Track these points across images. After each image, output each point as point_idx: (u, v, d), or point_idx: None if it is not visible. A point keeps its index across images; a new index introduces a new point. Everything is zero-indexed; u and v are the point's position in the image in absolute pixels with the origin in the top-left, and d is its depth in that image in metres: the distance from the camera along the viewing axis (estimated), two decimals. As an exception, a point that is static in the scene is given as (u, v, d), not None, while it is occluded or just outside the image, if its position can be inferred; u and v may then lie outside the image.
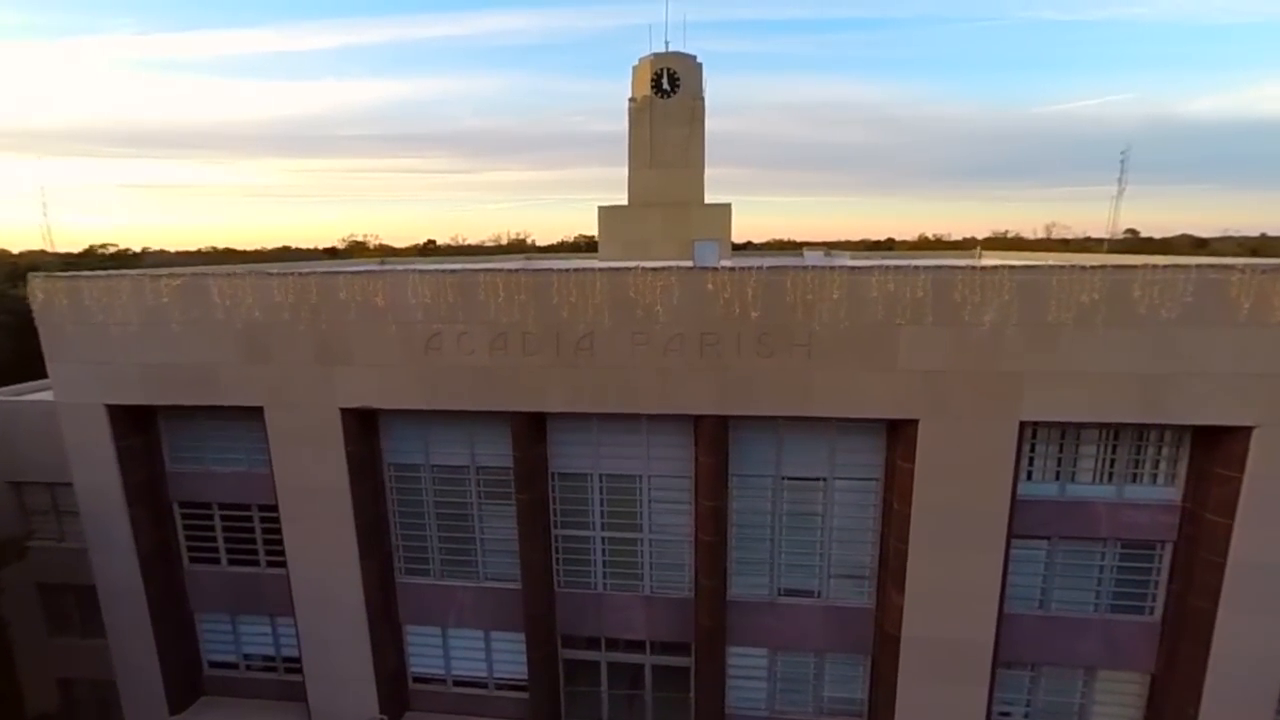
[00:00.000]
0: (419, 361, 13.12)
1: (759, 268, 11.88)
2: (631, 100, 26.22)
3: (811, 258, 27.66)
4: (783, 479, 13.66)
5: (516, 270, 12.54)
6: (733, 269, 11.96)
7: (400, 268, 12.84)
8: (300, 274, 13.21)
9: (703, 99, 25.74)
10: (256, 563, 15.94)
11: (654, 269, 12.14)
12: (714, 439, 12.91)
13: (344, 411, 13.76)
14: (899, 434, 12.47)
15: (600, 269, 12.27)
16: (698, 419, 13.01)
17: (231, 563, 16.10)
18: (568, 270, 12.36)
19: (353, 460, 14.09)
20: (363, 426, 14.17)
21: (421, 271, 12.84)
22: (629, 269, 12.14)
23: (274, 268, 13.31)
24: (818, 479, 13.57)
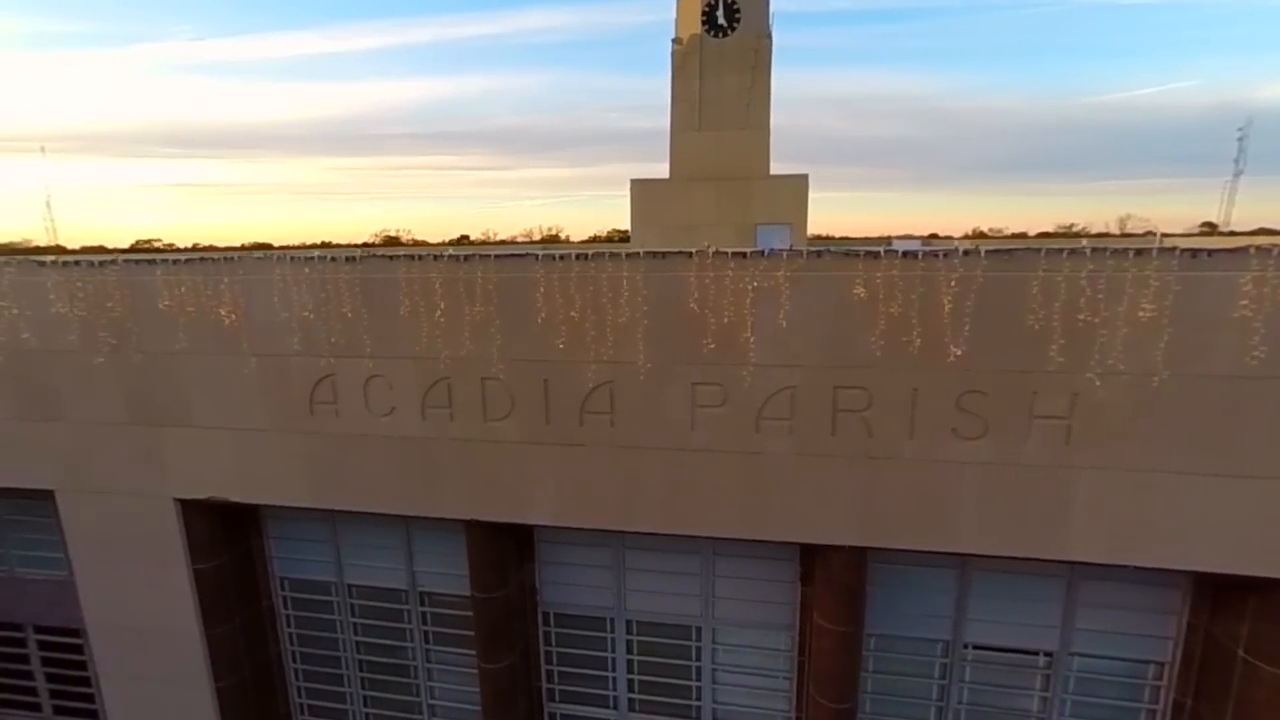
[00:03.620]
0: (299, 425, 7.13)
1: (968, 251, 5.51)
2: (676, 42, 19.88)
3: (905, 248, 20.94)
4: (966, 647, 7.30)
5: (468, 258, 6.39)
6: (913, 255, 5.62)
7: (258, 255, 6.81)
8: (94, 264, 7.31)
9: (770, 37, 19.29)
10: (94, 714, 10.20)
11: (740, 255, 5.87)
12: (845, 588, 6.60)
13: (184, 505, 7.87)
14: (1245, 597, 5.97)
15: (632, 256, 6.04)
16: (811, 547, 6.73)
17: (58, 712, 10.39)
18: (565, 259, 6.17)
19: (207, 583, 8.20)
20: (224, 528, 8.27)
21: (295, 260, 6.79)
22: (688, 256, 5.90)
23: (49, 257, 7.40)
24: (1035, 652, 7.18)
